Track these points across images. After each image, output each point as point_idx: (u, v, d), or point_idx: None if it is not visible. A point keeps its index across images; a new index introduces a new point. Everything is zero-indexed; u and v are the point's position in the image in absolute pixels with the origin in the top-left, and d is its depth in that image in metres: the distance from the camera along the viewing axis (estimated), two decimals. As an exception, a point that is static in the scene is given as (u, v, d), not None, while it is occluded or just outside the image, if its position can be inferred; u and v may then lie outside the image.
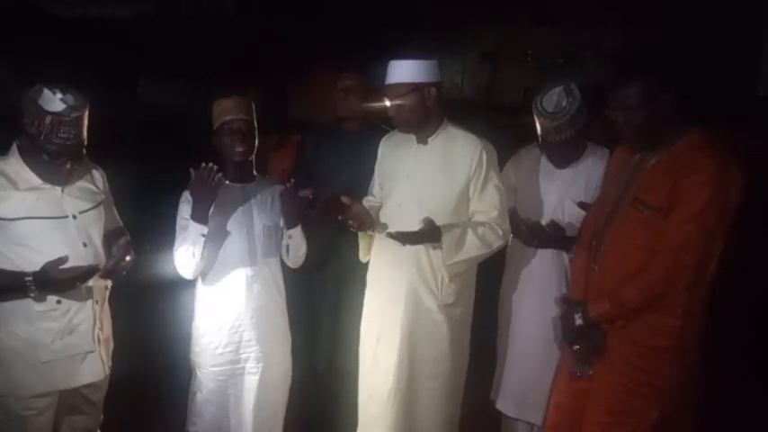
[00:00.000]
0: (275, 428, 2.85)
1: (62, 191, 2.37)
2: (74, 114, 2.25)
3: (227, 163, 2.69)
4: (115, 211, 2.67)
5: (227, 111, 2.65)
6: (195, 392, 2.76)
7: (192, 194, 2.53)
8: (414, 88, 2.64)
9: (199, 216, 2.52)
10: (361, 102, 3.23)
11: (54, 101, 2.23)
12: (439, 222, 2.61)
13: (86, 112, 2.32)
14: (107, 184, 2.61)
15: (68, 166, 2.35)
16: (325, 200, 2.85)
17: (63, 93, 2.25)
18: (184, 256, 2.56)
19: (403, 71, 2.65)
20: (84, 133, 2.34)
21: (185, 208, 2.63)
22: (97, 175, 2.57)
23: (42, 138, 2.23)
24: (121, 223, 2.68)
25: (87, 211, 2.43)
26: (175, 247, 2.64)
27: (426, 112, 2.69)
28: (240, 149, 2.65)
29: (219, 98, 2.69)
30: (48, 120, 2.21)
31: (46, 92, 2.24)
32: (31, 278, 2.21)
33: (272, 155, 4.09)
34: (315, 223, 2.91)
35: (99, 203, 2.50)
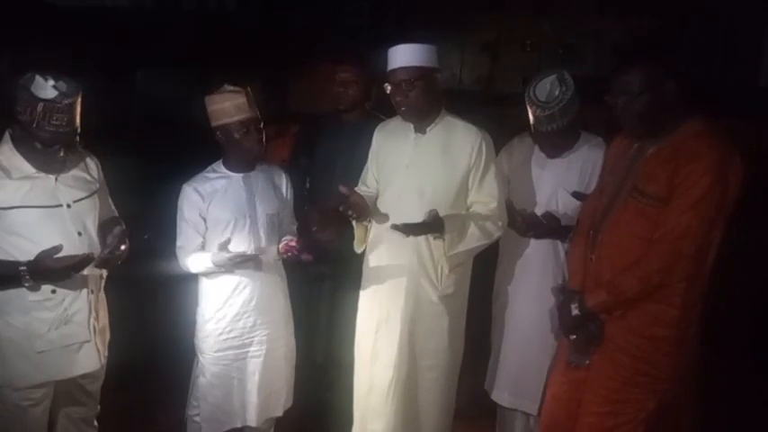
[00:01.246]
0: (278, 406, 2.87)
1: (56, 180, 2.36)
2: (66, 101, 2.24)
3: (232, 155, 2.70)
4: (110, 201, 2.66)
5: (240, 109, 2.60)
6: (198, 377, 2.78)
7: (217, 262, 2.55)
8: (424, 72, 2.62)
9: (220, 264, 2.56)
10: (360, 93, 3.22)
11: (46, 88, 2.22)
12: (438, 213, 2.60)
13: (79, 100, 2.30)
14: (101, 173, 2.59)
15: (62, 153, 2.33)
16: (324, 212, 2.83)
17: (55, 80, 2.24)
18: (194, 270, 2.65)
19: (412, 54, 2.62)
20: (78, 121, 2.33)
21: (187, 206, 2.66)
22: (91, 163, 2.55)
23: (35, 125, 2.22)
24: (116, 213, 2.67)
25: (82, 200, 2.42)
26: (179, 244, 2.68)
27: (433, 97, 2.68)
28: (258, 147, 2.67)
29: (226, 92, 2.61)
30: (40, 107, 2.20)
31: (38, 79, 2.22)
32: (25, 267, 2.20)
33: (269, 145, 4.08)
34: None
35: (93, 192, 2.49)
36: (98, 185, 2.54)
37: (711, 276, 2.27)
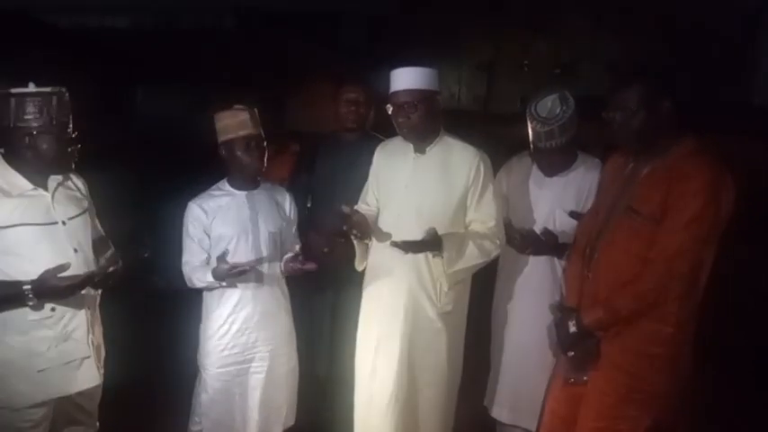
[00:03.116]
0: (278, 423, 2.88)
1: (52, 197, 2.35)
2: (44, 91, 2.27)
3: (235, 172, 2.75)
4: (97, 221, 2.64)
5: (242, 125, 2.67)
6: (200, 393, 2.80)
7: (222, 277, 2.57)
8: (426, 95, 2.66)
9: (219, 277, 2.58)
10: (367, 113, 3.27)
11: (26, 86, 2.26)
12: (437, 231, 2.62)
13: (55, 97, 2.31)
14: (88, 193, 2.58)
15: (70, 153, 2.33)
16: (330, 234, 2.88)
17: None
18: (198, 285, 2.68)
19: (415, 78, 2.66)
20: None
21: (191, 223, 2.70)
22: (79, 183, 2.54)
23: (30, 117, 2.23)
24: (103, 232, 2.66)
25: (75, 217, 2.41)
26: (184, 260, 2.71)
27: (434, 119, 2.72)
28: (258, 164, 2.71)
29: (230, 110, 2.70)
30: (16, 101, 2.22)
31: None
32: (29, 286, 2.18)
33: (269, 164, 4.10)
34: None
35: (85, 210, 2.49)
36: (87, 203, 2.54)
37: (707, 293, 2.29)
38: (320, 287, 3.29)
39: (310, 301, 3.29)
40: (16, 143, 2.27)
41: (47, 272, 2.19)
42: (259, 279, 2.72)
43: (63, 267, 2.20)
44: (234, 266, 2.52)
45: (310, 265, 2.69)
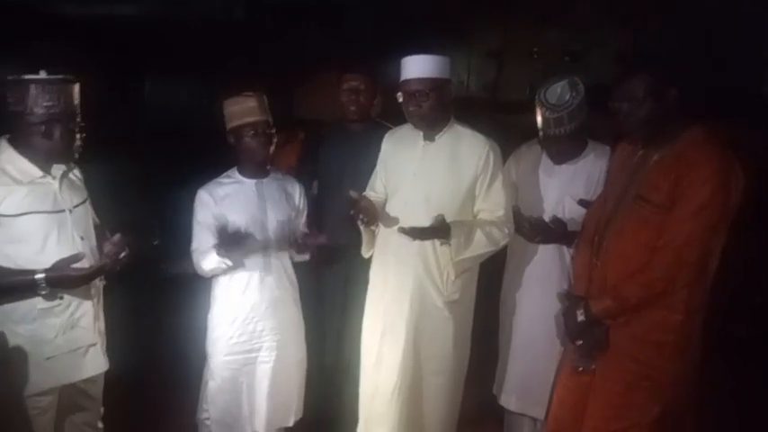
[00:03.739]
0: (288, 415, 2.90)
1: (59, 184, 2.34)
2: (62, 78, 2.26)
3: (244, 159, 2.75)
4: (92, 210, 2.63)
5: (250, 111, 2.68)
6: (208, 381, 2.81)
7: (224, 247, 2.55)
8: (438, 83, 2.65)
9: (224, 255, 2.57)
10: (370, 101, 3.25)
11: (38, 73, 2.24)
12: (445, 218, 2.62)
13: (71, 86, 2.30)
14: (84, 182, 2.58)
15: (77, 143, 2.32)
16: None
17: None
18: (205, 268, 2.67)
19: (427, 66, 2.64)
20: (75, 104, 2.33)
21: (200, 209, 2.71)
22: (77, 172, 2.53)
23: (38, 108, 2.22)
24: (98, 221, 2.65)
25: (79, 205, 2.42)
26: (193, 246, 2.72)
27: (445, 108, 2.71)
28: (265, 151, 2.71)
29: (238, 96, 2.70)
30: (32, 89, 2.21)
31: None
32: (42, 275, 2.17)
33: (277, 151, 4.10)
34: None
35: (86, 199, 2.49)
36: (86, 192, 2.53)
37: (714, 282, 2.28)
38: (331, 274, 3.29)
39: (318, 292, 3.29)
40: (29, 130, 2.25)
41: (61, 261, 2.20)
42: (267, 265, 2.73)
43: (77, 257, 2.21)
44: (235, 234, 2.51)
45: (322, 238, 2.71)
